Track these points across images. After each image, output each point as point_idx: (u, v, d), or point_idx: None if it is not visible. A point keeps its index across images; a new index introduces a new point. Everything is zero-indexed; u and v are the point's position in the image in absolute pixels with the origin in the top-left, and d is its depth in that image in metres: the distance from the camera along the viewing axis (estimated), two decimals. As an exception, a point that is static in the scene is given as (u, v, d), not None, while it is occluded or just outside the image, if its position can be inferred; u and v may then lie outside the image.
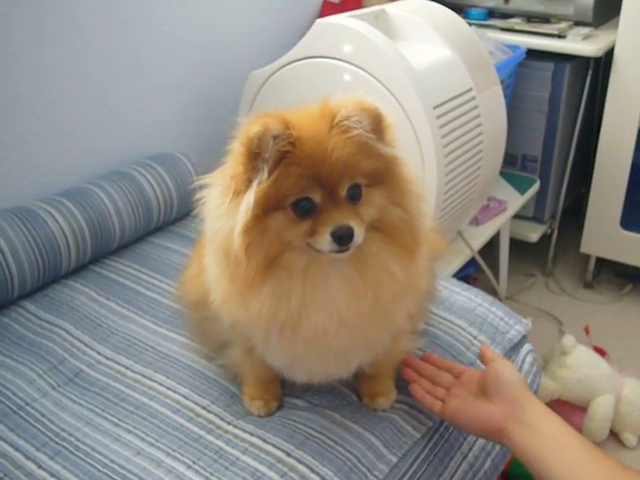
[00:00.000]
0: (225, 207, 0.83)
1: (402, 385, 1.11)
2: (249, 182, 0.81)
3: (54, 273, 1.36)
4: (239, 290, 0.85)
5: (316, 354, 0.92)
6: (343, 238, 0.80)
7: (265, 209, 0.80)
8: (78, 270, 1.42)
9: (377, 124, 0.82)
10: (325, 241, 0.80)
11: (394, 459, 1.01)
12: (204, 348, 1.17)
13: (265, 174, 0.79)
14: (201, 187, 0.88)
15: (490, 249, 2.16)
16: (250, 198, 0.79)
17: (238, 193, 0.81)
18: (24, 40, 1.38)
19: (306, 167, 0.79)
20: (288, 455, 0.98)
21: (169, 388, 1.11)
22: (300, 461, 0.97)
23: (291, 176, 0.79)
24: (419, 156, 1.44)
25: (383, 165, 0.84)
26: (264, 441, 1.01)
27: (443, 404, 1.02)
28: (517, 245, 2.36)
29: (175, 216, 1.61)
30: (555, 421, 0.92)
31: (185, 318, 1.20)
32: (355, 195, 0.82)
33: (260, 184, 0.79)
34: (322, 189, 0.80)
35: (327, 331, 0.86)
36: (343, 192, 0.81)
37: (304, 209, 0.81)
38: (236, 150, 0.82)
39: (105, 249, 1.46)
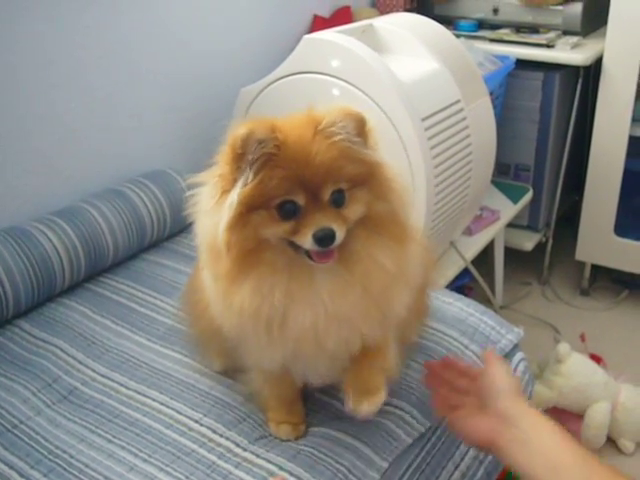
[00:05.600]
0: (212, 205, 0.86)
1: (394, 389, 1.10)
2: (235, 182, 0.83)
3: (48, 292, 1.37)
4: (222, 287, 0.87)
5: (308, 354, 0.91)
6: (324, 240, 0.82)
7: (249, 208, 0.83)
8: (72, 288, 1.43)
9: (361, 129, 0.85)
10: (307, 241, 0.82)
11: (385, 464, 1.02)
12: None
13: (250, 175, 0.82)
14: (192, 186, 0.91)
15: (486, 258, 2.17)
16: (234, 197, 0.82)
17: (225, 192, 0.85)
18: (24, 62, 1.40)
19: (291, 170, 0.82)
20: (280, 469, 0.99)
21: (162, 403, 1.12)
22: (292, 474, 0.98)
23: (275, 178, 0.82)
24: (408, 168, 1.45)
25: (366, 169, 0.86)
26: (257, 456, 1.02)
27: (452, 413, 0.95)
28: (513, 254, 2.37)
29: (168, 233, 1.62)
30: (550, 434, 0.85)
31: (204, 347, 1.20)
32: (338, 200, 0.85)
33: (245, 185, 0.82)
34: (306, 192, 0.83)
35: (316, 327, 0.87)
36: (326, 196, 0.84)
37: (288, 211, 0.83)
38: (224, 151, 0.85)
39: (99, 267, 1.47)
